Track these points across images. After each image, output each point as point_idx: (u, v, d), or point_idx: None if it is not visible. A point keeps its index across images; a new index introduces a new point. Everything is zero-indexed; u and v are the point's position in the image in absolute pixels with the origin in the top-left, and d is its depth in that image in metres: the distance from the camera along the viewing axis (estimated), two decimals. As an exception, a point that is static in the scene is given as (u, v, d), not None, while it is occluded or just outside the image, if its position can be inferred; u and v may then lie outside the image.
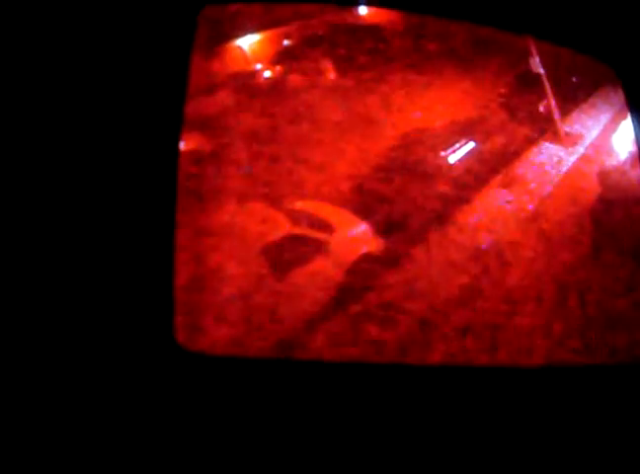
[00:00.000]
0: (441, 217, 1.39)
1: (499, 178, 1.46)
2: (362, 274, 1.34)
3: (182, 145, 1.33)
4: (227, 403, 1.28)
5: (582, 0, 1.71)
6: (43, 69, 1.33)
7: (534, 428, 1.34)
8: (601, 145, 1.62)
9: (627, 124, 1.65)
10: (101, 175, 1.32)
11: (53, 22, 1.36)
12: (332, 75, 1.45)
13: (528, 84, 1.59)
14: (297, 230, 1.34)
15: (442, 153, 1.44)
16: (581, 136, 1.60)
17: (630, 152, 1.61)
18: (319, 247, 1.34)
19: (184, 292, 1.29)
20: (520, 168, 1.49)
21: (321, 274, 1.33)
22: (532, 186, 1.49)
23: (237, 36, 1.45)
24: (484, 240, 1.41)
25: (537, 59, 1.61)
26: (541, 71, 1.60)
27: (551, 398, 1.36)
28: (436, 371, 1.32)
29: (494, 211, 1.44)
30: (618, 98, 1.67)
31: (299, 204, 1.36)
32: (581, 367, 1.42)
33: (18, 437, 1.19)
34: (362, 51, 1.47)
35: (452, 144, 1.45)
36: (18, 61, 1.33)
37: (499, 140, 1.49)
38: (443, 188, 1.41)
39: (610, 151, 1.63)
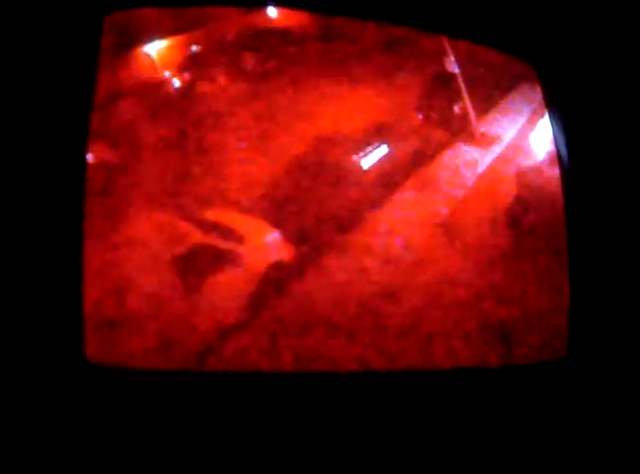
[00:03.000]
0: (353, 223, 1.46)
1: (412, 181, 1.54)
2: (274, 282, 1.40)
3: (88, 157, 1.37)
4: (139, 417, 1.33)
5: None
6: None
7: (447, 431, 1.41)
8: (519, 145, 1.71)
9: (545, 123, 1.73)
10: (5, 187, 1.35)
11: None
12: (241, 81, 1.50)
13: (443, 85, 1.67)
14: (207, 240, 1.40)
15: (355, 158, 1.51)
16: (497, 137, 1.69)
17: (548, 151, 1.70)
18: (229, 257, 1.41)
19: (93, 306, 1.34)
20: (434, 171, 1.58)
21: (232, 284, 1.39)
22: (446, 189, 1.57)
23: (144, 42, 1.50)
24: (396, 245, 1.48)
25: (452, 59, 1.69)
26: (456, 71, 1.68)
27: (463, 400, 1.44)
28: (349, 378, 1.39)
29: (407, 216, 1.52)
30: (536, 95, 1.75)
31: (209, 214, 1.42)
32: (495, 369, 1.50)
33: None
34: (272, 55, 1.53)
35: (365, 148, 1.52)
36: None
37: (412, 143, 1.57)
38: (355, 193, 1.48)
39: (528, 151, 1.72)
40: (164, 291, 1.37)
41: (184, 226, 1.39)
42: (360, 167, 1.51)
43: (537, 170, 1.70)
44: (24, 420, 1.29)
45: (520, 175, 1.67)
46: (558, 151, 1.74)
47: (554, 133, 1.76)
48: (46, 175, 1.37)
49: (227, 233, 1.41)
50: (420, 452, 1.40)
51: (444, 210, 1.55)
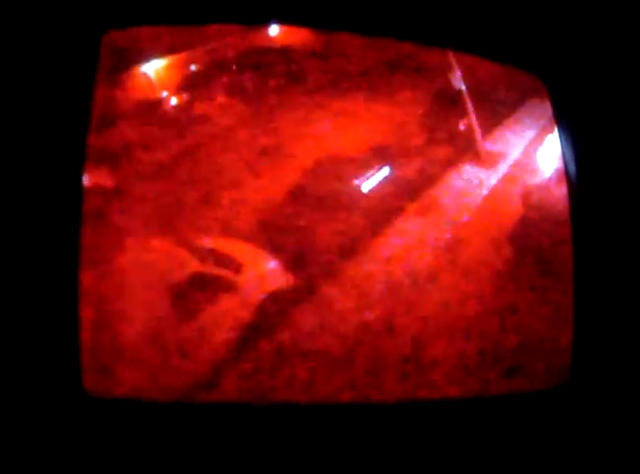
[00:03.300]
0: (353, 250, 1.44)
1: (414, 206, 1.51)
2: (272, 312, 1.38)
3: (85, 181, 1.36)
4: (137, 448, 1.33)
5: (505, 8, 1.74)
6: None
7: (448, 462, 1.40)
8: (525, 163, 1.67)
9: (554, 139, 1.70)
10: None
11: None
12: (240, 101, 1.47)
13: (448, 102, 1.63)
14: (204, 268, 1.38)
15: (355, 181, 1.48)
16: (503, 155, 1.65)
17: (556, 169, 1.67)
18: (227, 285, 1.39)
19: (90, 336, 1.33)
20: (438, 193, 1.55)
21: (229, 313, 1.37)
22: (450, 212, 1.54)
23: (142, 61, 1.47)
24: (398, 272, 1.46)
25: (458, 74, 1.64)
26: (462, 87, 1.64)
27: (469, 430, 1.43)
28: (348, 409, 1.38)
29: (409, 241, 1.49)
30: (545, 110, 1.71)
31: (206, 241, 1.41)
32: (500, 397, 1.48)
33: None
34: (272, 75, 1.50)
35: (366, 171, 1.50)
36: None
37: (415, 165, 1.53)
38: (356, 218, 1.46)
39: (535, 169, 1.68)
40: (161, 321, 1.35)
41: (180, 254, 1.37)
42: (361, 191, 1.48)
43: (544, 189, 1.66)
44: (24, 452, 1.29)
45: (527, 194, 1.63)
46: (566, 169, 1.71)
47: (562, 150, 1.72)
48: (42, 198, 1.37)
49: (225, 261, 1.39)
50: None
51: (448, 235, 1.51)
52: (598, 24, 1.76)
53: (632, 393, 1.54)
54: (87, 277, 1.33)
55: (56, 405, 1.31)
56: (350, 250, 1.44)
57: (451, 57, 1.66)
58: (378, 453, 1.37)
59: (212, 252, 1.39)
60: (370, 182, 1.49)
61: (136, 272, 1.35)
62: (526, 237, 1.59)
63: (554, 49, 1.76)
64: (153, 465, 1.33)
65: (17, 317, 1.30)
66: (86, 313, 1.32)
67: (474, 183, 1.59)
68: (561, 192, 1.65)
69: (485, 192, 1.59)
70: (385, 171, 1.50)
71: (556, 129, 1.71)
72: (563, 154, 1.70)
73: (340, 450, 1.36)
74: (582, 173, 1.69)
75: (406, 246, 1.48)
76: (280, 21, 1.55)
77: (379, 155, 1.51)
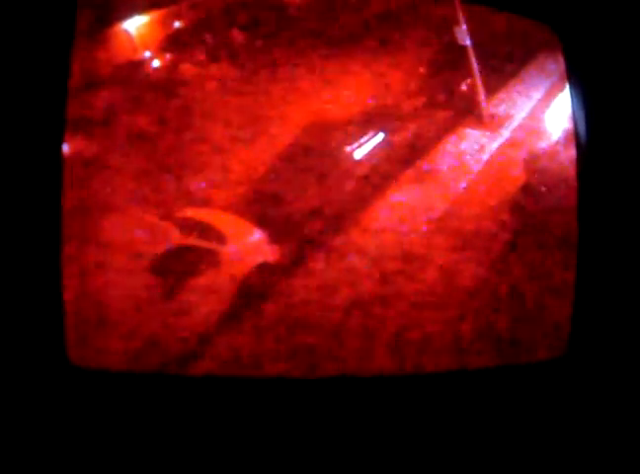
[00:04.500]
0: (343, 220, 1.40)
1: (410, 173, 1.45)
2: (258, 285, 1.36)
3: (65, 149, 1.32)
4: (121, 419, 1.34)
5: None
6: None
7: (447, 433, 1.40)
8: (532, 125, 1.60)
9: (564, 97, 1.61)
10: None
11: None
12: (227, 62, 1.41)
13: (452, 60, 1.54)
14: (188, 240, 1.36)
15: (348, 148, 1.43)
16: (508, 117, 1.57)
17: (564, 130, 1.59)
18: (211, 258, 1.37)
19: (74, 308, 1.33)
20: (436, 160, 1.48)
21: (214, 285, 1.35)
22: (447, 180, 1.48)
23: (123, 18, 1.41)
24: (389, 243, 1.42)
25: (464, 29, 1.55)
26: (467, 43, 1.55)
27: (460, 402, 1.42)
28: (334, 382, 1.37)
29: (403, 211, 1.44)
30: (557, 66, 1.63)
31: (189, 213, 1.37)
32: (494, 368, 1.47)
33: None
34: (262, 32, 1.42)
35: (359, 137, 1.44)
36: None
37: (413, 130, 1.47)
38: (347, 187, 1.41)
39: (542, 131, 1.61)
40: (144, 293, 1.34)
41: (164, 225, 1.35)
42: (353, 158, 1.43)
43: (551, 153, 1.59)
44: (10, 422, 1.31)
45: (532, 160, 1.57)
46: (576, 130, 1.63)
47: (573, 110, 1.64)
48: (22, 168, 1.34)
49: (209, 233, 1.37)
50: (419, 455, 1.40)
51: (444, 204, 1.46)
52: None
53: (630, 368, 1.52)
54: (69, 248, 1.32)
55: (42, 375, 1.33)
56: (339, 220, 1.40)
57: (458, 9, 1.56)
58: (367, 427, 1.38)
59: (196, 223, 1.37)
60: (363, 148, 1.43)
61: (119, 244, 1.34)
62: (529, 205, 1.53)
63: (568, 1, 1.65)
64: (135, 434, 1.35)
65: (3, 292, 1.30)
66: (69, 285, 1.31)
67: (474, 148, 1.52)
68: (569, 156, 1.58)
69: (486, 157, 1.52)
70: (379, 137, 1.44)
71: (567, 87, 1.62)
72: (573, 114, 1.61)
73: (323, 424, 1.36)
74: (592, 135, 1.61)
75: (400, 216, 1.44)
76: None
77: (374, 119, 1.45)
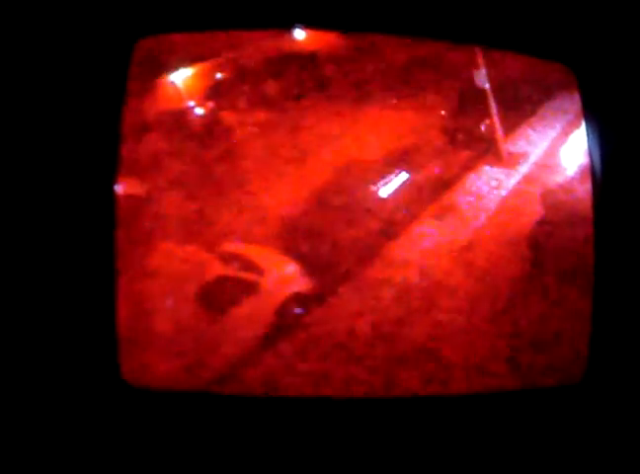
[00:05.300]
0: (370, 253, 1.53)
1: (432, 209, 1.58)
2: (292, 312, 1.50)
3: (117, 189, 1.48)
4: (170, 437, 1.49)
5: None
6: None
7: (463, 456, 1.51)
8: (548, 161, 1.71)
9: (581, 134, 1.71)
10: (40, 221, 1.47)
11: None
12: (262, 109, 1.56)
13: (472, 102, 1.67)
14: (229, 272, 1.51)
15: (374, 186, 1.57)
16: (525, 155, 1.69)
17: (580, 165, 1.69)
18: (250, 288, 1.51)
19: (127, 332, 1.48)
20: (456, 196, 1.61)
21: (253, 313, 1.50)
22: (467, 215, 1.61)
23: (171, 69, 1.57)
24: (412, 275, 1.54)
25: (483, 72, 1.67)
26: (487, 86, 1.67)
27: (478, 426, 1.53)
28: (361, 404, 1.50)
29: (424, 245, 1.57)
30: (574, 105, 1.73)
31: (230, 247, 1.53)
32: (511, 393, 1.57)
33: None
34: (295, 81, 1.57)
35: (385, 175, 1.58)
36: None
37: (435, 168, 1.60)
38: (373, 223, 1.55)
39: (558, 167, 1.71)
40: (190, 318, 1.50)
41: (207, 258, 1.51)
42: (380, 196, 1.57)
43: (567, 188, 1.70)
44: (67, 438, 1.47)
45: (548, 194, 1.68)
46: (592, 166, 1.72)
47: (589, 146, 1.73)
48: (80, 206, 1.50)
49: (248, 265, 1.52)
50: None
51: (464, 238, 1.59)
52: (631, 13, 1.75)
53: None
54: (122, 278, 1.47)
55: (97, 393, 1.48)
56: (367, 254, 1.54)
57: (478, 54, 1.69)
58: (391, 447, 1.49)
59: (236, 256, 1.52)
60: (389, 186, 1.57)
61: (167, 274, 1.49)
62: (546, 238, 1.64)
63: (585, 40, 1.75)
64: (178, 448, 1.49)
65: (62, 316, 1.46)
66: (123, 310, 1.47)
67: (492, 184, 1.64)
68: (585, 190, 1.68)
69: (504, 192, 1.64)
70: (404, 175, 1.58)
71: (583, 124, 1.72)
72: (589, 150, 1.71)
73: (350, 443, 1.49)
74: (608, 170, 1.71)
75: (422, 249, 1.57)
76: (304, 24, 1.61)
77: (399, 159, 1.59)
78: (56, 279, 1.47)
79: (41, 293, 1.47)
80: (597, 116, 1.77)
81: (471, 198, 1.63)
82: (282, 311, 1.51)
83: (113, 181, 1.51)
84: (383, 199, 1.58)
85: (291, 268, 1.53)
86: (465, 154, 1.64)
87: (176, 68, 1.57)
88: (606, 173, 1.73)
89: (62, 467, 1.46)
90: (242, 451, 1.50)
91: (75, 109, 1.51)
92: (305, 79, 1.59)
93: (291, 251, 1.53)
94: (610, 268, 1.63)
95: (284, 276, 1.54)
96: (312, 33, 1.61)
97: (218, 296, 1.51)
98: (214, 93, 1.58)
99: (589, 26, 1.75)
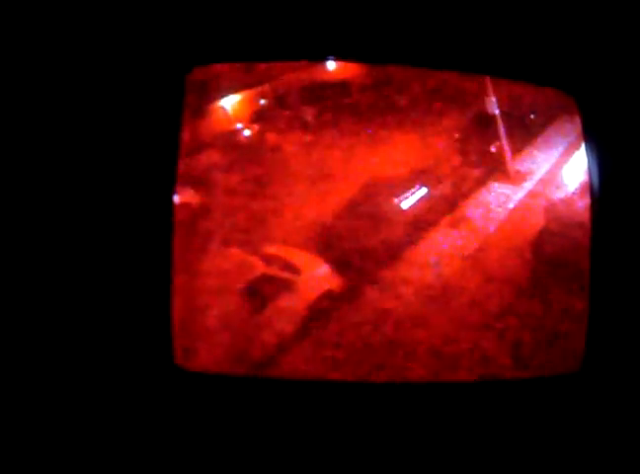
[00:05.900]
0: (393, 257, 1.77)
1: (447, 219, 1.82)
2: (324, 307, 1.74)
3: (175, 199, 1.72)
4: (217, 415, 1.71)
5: (537, 29, 1.95)
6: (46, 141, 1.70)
7: (462, 441, 1.72)
8: (551, 179, 1.94)
9: (580, 154, 1.93)
10: (112, 226, 1.71)
11: (49, 87, 1.72)
12: (301, 131, 1.81)
13: (483, 126, 1.91)
14: (270, 271, 1.75)
15: (396, 200, 1.81)
16: (530, 173, 1.92)
17: (580, 182, 1.91)
18: (287, 285, 1.75)
19: (180, 323, 1.72)
20: (468, 208, 1.85)
21: (290, 307, 1.74)
22: (478, 224, 1.85)
23: (221, 95, 1.83)
24: (430, 275, 1.78)
25: (493, 99, 1.91)
26: (496, 112, 1.91)
27: (482, 411, 1.74)
28: (382, 387, 1.72)
29: (441, 250, 1.81)
30: (574, 128, 1.94)
31: (272, 249, 1.77)
32: (510, 381, 1.78)
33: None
34: (329, 107, 1.83)
35: (407, 190, 1.82)
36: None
37: (450, 184, 1.85)
38: (396, 230, 1.79)
39: (560, 184, 1.94)
40: (236, 312, 1.73)
41: (251, 259, 1.75)
42: (402, 207, 1.81)
43: (568, 202, 1.91)
44: (123, 420, 1.69)
45: (550, 208, 1.90)
46: (591, 181, 1.92)
47: (589, 165, 1.94)
48: (143, 214, 1.74)
49: (286, 265, 1.76)
50: (437, 461, 1.72)
51: (475, 244, 1.83)
52: (628, 41, 1.96)
53: None
54: (178, 276, 1.71)
55: (154, 376, 1.71)
56: (390, 257, 1.77)
57: (488, 83, 1.93)
58: (403, 426, 1.71)
59: (277, 258, 1.77)
60: (409, 200, 1.81)
61: (216, 272, 1.74)
62: (547, 245, 1.87)
63: (584, 69, 1.95)
64: (224, 425, 1.71)
65: (127, 308, 1.69)
66: (178, 304, 1.70)
67: (500, 199, 1.88)
68: (584, 204, 1.90)
69: (511, 206, 1.88)
70: (422, 191, 1.83)
71: (583, 145, 1.94)
72: (588, 169, 1.92)
73: (376, 424, 1.71)
74: (605, 187, 1.91)
75: (439, 254, 1.80)
76: (336, 57, 1.85)
77: (418, 177, 1.84)
78: (124, 276, 1.71)
79: (110, 287, 1.70)
80: (595, 138, 1.95)
81: (482, 210, 1.87)
82: (315, 306, 1.75)
83: (171, 191, 1.76)
84: (405, 210, 1.82)
85: (324, 268, 1.78)
86: (477, 172, 1.88)
87: (225, 94, 1.83)
88: (604, 189, 1.92)
89: (121, 446, 1.69)
90: (277, 428, 1.72)
91: (141, 130, 1.75)
92: (337, 106, 1.84)
93: (325, 254, 1.78)
94: (605, 269, 1.84)
95: (318, 276, 1.78)
96: (341, 64, 1.87)
97: (260, 292, 1.76)
98: (259, 117, 1.83)
99: (588, 56, 1.97)
